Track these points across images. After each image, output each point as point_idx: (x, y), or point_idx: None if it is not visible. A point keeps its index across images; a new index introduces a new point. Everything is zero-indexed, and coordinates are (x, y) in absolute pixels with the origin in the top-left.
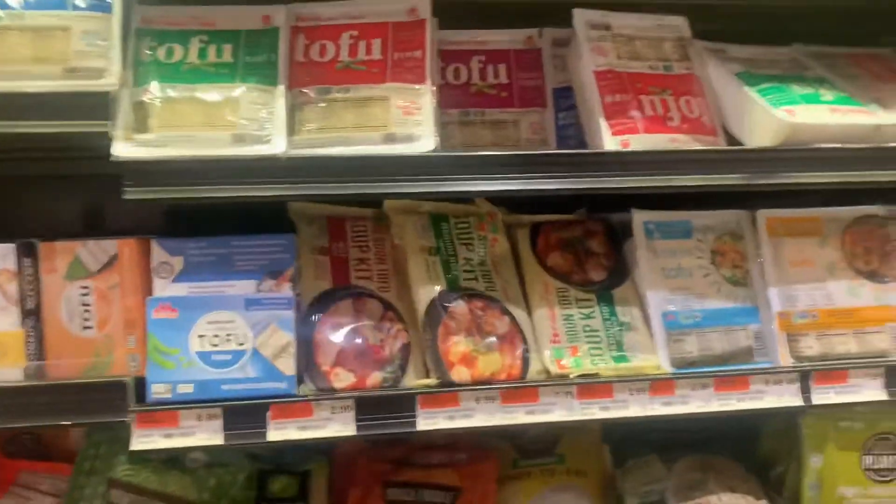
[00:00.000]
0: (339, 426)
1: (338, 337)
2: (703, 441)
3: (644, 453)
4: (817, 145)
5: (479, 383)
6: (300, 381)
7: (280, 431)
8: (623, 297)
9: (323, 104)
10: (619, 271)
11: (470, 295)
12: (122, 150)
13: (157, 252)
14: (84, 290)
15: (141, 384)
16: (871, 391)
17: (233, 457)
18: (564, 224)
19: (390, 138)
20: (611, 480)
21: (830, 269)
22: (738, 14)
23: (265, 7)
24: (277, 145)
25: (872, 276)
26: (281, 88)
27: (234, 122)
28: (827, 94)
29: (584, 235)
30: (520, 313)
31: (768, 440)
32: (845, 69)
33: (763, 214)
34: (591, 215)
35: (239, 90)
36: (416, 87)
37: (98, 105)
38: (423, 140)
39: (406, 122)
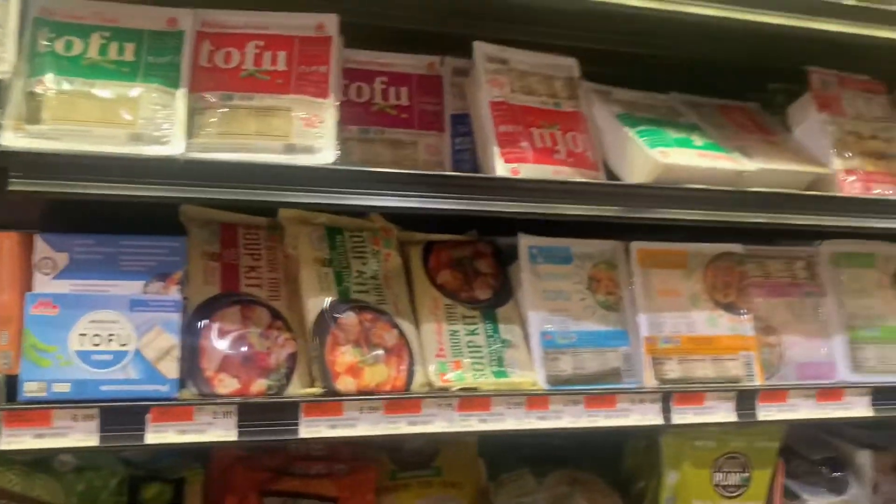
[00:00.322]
0: (221, 431)
1: (223, 343)
2: (573, 457)
3: (517, 467)
4: (686, 185)
5: (363, 394)
6: (183, 385)
7: (159, 434)
8: (506, 315)
9: (224, 110)
10: (504, 291)
11: (360, 307)
12: (11, 139)
13: (41, 247)
14: None
15: (13, 383)
16: (724, 413)
17: (104, 461)
18: (455, 244)
19: (290, 148)
20: (485, 493)
21: (693, 300)
22: (624, 61)
23: (172, 9)
24: (175, 147)
25: (730, 308)
26: (182, 91)
27: (131, 120)
28: (697, 140)
29: (473, 256)
30: (408, 327)
31: (631, 457)
32: (714, 118)
33: (635, 246)
34: (481, 238)
35: (139, 90)
36: (320, 100)
37: None
38: (324, 152)
39: (307, 133)
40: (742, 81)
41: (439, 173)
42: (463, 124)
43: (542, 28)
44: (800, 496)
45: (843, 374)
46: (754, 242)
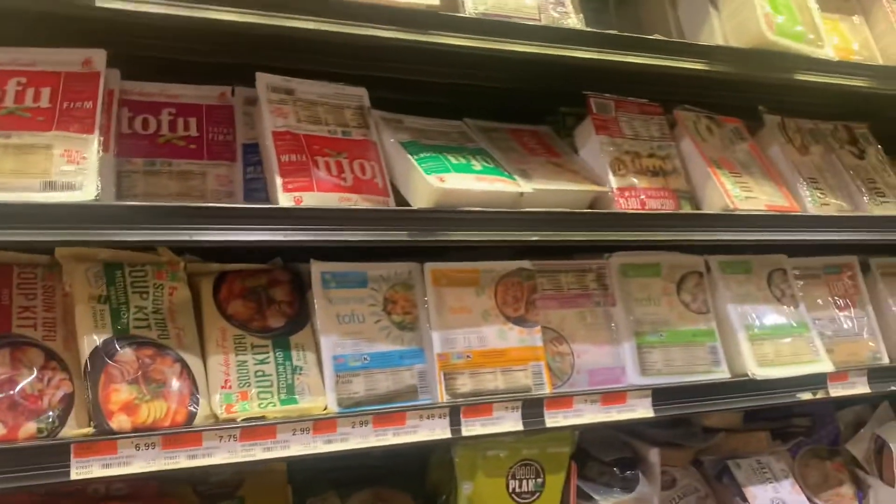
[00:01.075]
0: None
1: None
2: (383, 475)
3: (325, 490)
4: (466, 208)
5: (140, 430)
6: None
7: None
8: (299, 342)
9: None
10: (300, 318)
11: (139, 343)
12: None
13: None
14: None
15: None
16: (511, 422)
17: None
18: (251, 273)
19: (50, 186)
20: None
21: (485, 316)
22: (420, 89)
23: None
24: None
25: (519, 321)
26: None
27: None
28: (477, 165)
29: (268, 284)
30: (193, 360)
31: (435, 471)
32: (505, 143)
33: (429, 267)
34: (279, 265)
35: None
36: (83, 136)
37: None
38: (85, 189)
39: (68, 170)
40: (542, 105)
41: (207, 205)
42: (255, 153)
43: (336, 59)
44: (592, 497)
45: (632, 377)
46: (557, 256)
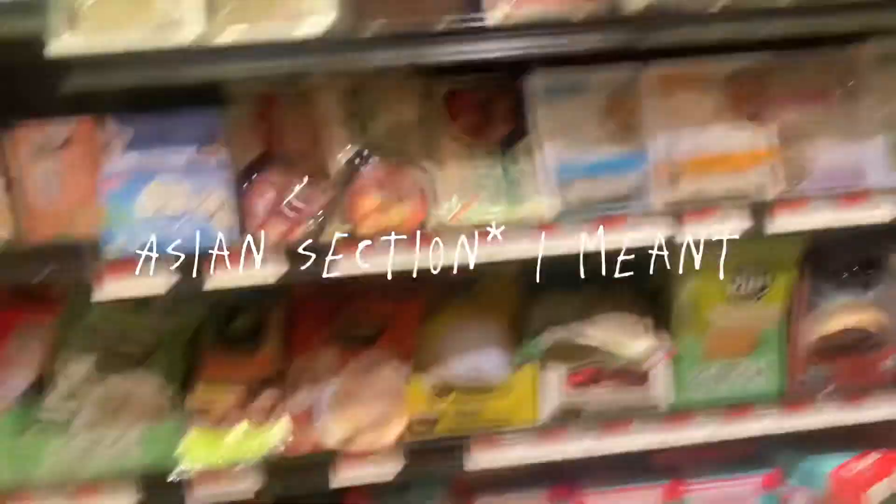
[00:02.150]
0: (274, 268)
1: (268, 196)
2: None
3: (555, 288)
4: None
5: (381, 233)
6: (239, 234)
7: (220, 279)
8: (523, 150)
9: None
10: (522, 128)
11: (383, 155)
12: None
13: (108, 129)
14: (49, 167)
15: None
16: (734, 224)
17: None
18: (476, 87)
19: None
20: (521, 314)
21: (711, 117)
22: None
23: None
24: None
25: (749, 121)
26: None
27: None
28: None
29: (493, 97)
30: (428, 170)
31: (659, 271)
32: None
33: (651, 68)
34: (500, 77)
35: None
36: None
37: None
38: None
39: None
40: None
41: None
42: None
43: None
44: (824, 294)
45: (878, 177)
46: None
